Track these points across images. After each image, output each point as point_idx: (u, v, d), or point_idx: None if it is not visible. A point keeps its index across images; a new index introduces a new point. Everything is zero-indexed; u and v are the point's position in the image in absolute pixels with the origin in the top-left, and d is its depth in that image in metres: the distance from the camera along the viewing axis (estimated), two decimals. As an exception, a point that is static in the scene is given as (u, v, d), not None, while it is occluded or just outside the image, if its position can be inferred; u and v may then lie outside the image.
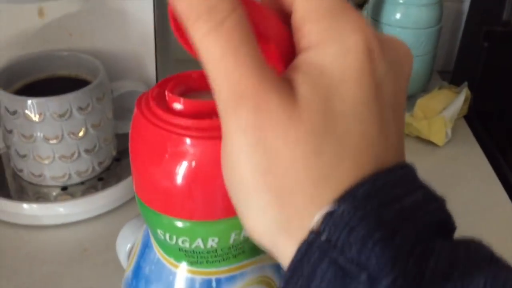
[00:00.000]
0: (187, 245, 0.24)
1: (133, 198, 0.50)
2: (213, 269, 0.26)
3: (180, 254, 0.26)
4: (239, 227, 0.24)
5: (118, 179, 0.49)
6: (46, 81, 0.49)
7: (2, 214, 0.47)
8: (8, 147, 0.47)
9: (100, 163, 0.49)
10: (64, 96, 0.44)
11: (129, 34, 0.50)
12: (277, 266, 0.27)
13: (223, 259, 0.25)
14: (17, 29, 0.48)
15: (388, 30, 0.64)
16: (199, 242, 0.24)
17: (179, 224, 0.24)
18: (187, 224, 0.24)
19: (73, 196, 0.47)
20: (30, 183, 0.48)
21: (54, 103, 0.43)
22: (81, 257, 0.45)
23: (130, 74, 0.52)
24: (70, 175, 0.47)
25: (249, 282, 0.26)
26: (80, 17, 0.50)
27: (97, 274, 0.43)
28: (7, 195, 0.47)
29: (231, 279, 0.26)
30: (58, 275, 0.43)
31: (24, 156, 0.46)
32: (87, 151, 0.47)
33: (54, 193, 0.48)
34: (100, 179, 0.49)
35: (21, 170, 0.48)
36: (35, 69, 0.49)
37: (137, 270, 0.28)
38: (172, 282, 0.26)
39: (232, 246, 0.25)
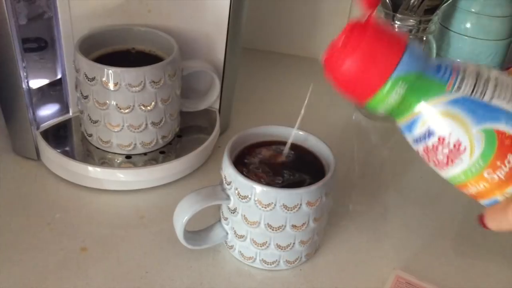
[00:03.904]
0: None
1: (189, 174, 0.52)
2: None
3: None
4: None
5: (178, 154, 0.51)
6: (122, 53, 0.51)
7: (68, 174, 0.49)
8: (81, 112, 0.50)
9: (163, 137, 0.51)
10: (140, 69, 0.46)
11: (204, 17, 0.52)
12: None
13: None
14: (99, 2, 0.50)
15: (457, 39, 0.63)
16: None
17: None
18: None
19: (135, 165, 0.50)
20: (97, 148, 0.51)
21: (130, 74, 0.46)
22: (138, 224, 0.47)
23: (199, 55, 0.54)
24: (135, 144, 0.50)
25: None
26: (160, -5, 0.52)
27: (151, 241, 0.45)
28: (74, 157, 0.49)
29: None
30: (114, 237, 0.45)
31: (96, 122, 0.48)
32: (153, 123, 0.49)
33: (118, 160, 0.50)
34: (161, 152, 0.52)
35: (90, 135, 0.50)
36: (113, 41, 0.51)
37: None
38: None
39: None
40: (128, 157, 0.50)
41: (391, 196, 0.54)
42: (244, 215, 0.41)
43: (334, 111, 0.67)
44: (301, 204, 0.39)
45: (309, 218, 0.41)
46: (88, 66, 0.46)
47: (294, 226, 0.40)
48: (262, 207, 0.39)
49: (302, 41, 0.76)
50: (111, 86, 0.46)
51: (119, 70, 0.45)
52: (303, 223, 0.41)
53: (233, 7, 0.50)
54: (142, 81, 0.46)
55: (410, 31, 0.59)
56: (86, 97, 0.48)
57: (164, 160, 0.50)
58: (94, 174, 0.48)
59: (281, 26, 0.75)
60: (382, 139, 0.63)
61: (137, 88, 0.46)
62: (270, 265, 0.43)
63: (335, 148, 0.44)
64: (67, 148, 0.51)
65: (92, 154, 0.50)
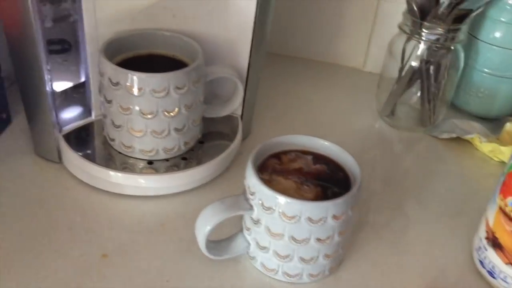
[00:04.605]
0: None
1: (211, 181, 0.52)
2: None
3: None
4: None
5: (199, 161, 0.51)
6: (145, 57, 0.51)
7: (90, 178, 0.49)
8: (104, 116, 0.50)
9: (186, 143, 0.51)
10: (165, 74, 0.45)
11: (229, 22, 0.51)
12: None
13: None
14: (124, 6, 0.50)
15: (486, 49, 0.62)
16: None
17: None
18: None
19: (157, 171, 0.49)
20: (119, 153, 0.50)
21: (154, 80, 0.45)
22: (158, 231, 0.46)
23: (223, 60, 0.53)
24: (157, 150, 0.49)
25: None
26: (185, 0, 0.51)
27: (172, 249, 0.44)
28: (95, 161, 0.49)
29: None
30: (135, 244, 0.45)
31: (119, 126, 0.48)
32: (176, 129, 0.49)
33: (140, 166, 0.49)
34: (183, 158, 0.51)
35: (113, 140, 0.50)
36: (137, 45, 0.51)
37: None
38: None
39: None
40: (150, 162, 0.50)
41: (414, 208, 0.52)
42: (268, 226, 0.40)
43: (357, 119, 0.66)
44: (326, 217, 0.38)
45: (334, 231, 0.40)
46: (112, 70, 0.46)
47: (318, 240, 0.40)
48: (287, 219, 0.39)
49: (326, 46, 0.75)
50: (135, 91, 0.45)
51: (143, 75, 0.45)
52: (328, 237, 0.40)
53: (259, 12, 0.49)
54: (166, 87, 0.45)
55: (438, 40, 0.57)
56: (109, 102, 0.47)
57: (186, 167, 0.50)
58: (115, 179, 0.48)
59: (305, 32, 0.75)
60: (406, 149, 0.62)
61: (161, 93, 0.46)
62: (293, 278, 0.42)
63: (358, 156, 0.43)
64: (89, 152, 0.50)
65: (114, 159, 0.50)
